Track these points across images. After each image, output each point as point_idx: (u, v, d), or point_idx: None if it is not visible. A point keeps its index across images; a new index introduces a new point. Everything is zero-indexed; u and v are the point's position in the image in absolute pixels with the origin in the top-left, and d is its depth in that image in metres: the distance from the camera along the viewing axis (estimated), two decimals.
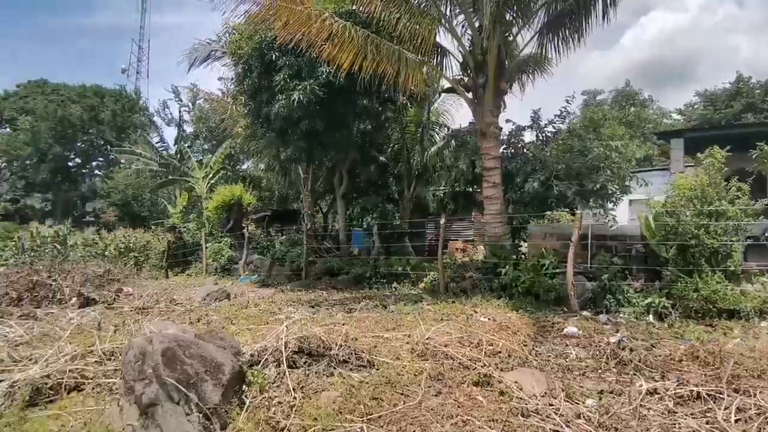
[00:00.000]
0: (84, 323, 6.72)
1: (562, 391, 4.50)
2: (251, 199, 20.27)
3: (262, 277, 15.46)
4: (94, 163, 51.24)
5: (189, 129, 31.47)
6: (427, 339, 5.83)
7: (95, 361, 4.37)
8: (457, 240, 20.18)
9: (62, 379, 3.75)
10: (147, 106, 49.54)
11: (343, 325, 6.72)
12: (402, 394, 4.18)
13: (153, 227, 27.42)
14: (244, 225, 20.77)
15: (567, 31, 10.74)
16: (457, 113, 17.99)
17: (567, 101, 12.83)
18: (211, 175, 21.36)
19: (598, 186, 11.70)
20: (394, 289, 11.32)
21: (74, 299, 8.61)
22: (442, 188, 18.68)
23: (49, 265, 10.52)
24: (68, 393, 3.73)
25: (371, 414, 3.70)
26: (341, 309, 8.87)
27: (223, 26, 15.05)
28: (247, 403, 3.47)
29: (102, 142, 47.61)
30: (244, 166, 28.46)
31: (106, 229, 27.45)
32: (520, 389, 4.52)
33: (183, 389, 3.03)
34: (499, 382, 4.56)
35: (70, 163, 48.04)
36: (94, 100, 45.85)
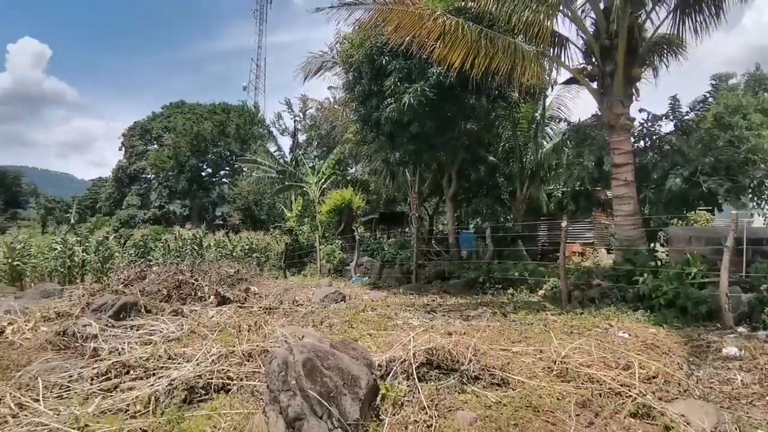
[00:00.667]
0: (222, 322, 7.25)
1: (734, 424, 3.76)
2: (360, 203, 20.80)
3: (372, 279, 15.73)
4: (222, 172, 57.14)
5: (302, 137, 33.44)
6: (564, 357, 5.27)
7: (237, 362, 4.58)
8: (574, 243, 18.65)
9: (211, 379, 3.97)
10: (264, 118, 53.93)
11: (464, 334, 6.40)
12: (548, 421, 3.74)
13: (271, 230, 29.68)
14: (354, 227, 21.44)
15: (706, 8, 9.33)
16: (574, 106, 16.60)
17: (713, 84, 11.08)
18: (322, 180, 22.36)
19: (755, 182, 9.91)
20: (510, 296, 10.69)
21: (212, 297, 9.41)
22: (558, 188, 17.40)
23: (191, 265, 11.69)
24: (216, 393, 3.93)
25: None
26: (457, 316, 8.55)
27: (335, 37, 15.62)
28: (386, 420, 3.32)
29: (228, 153, 52.84)
30: (353, 171, 29.45)
31: (232, 232, 30.40)
32: (687, 424, 3.82)
33: (325, 403, 2.96)
34: (662, 415, 3.89)
35: (203, 173, 54.11)
36: (222, 116, 51.06)
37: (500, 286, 11.43)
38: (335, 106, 19.43)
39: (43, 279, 17.73)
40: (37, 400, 3.68)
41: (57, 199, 55.43)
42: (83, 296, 8.42)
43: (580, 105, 16.72)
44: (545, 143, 16.52)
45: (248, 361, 4.74)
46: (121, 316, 7.44)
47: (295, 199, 23.86)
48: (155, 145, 53.44)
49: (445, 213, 31.64)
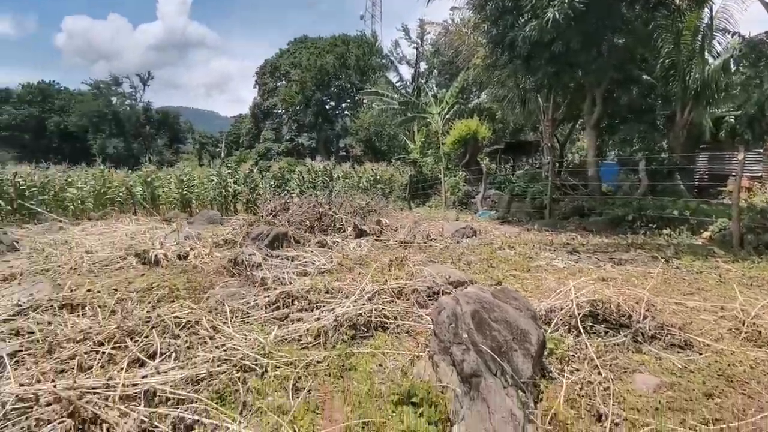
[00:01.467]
0: (364, 255, 7.53)
1: None
2: (486, 132, 19.72)
3: (500, 213, 15.12)
4: (343, 105, 58.66)
5: (422, 66, 32.21)
6: (754, 316, 4.44)
7: (389, 300, 4.66)
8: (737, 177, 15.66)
9: (370, 317, 4.08)
10: (382, 48, 53.02)
11: (623, 282, 5.76)
12: (743, 393, 3.17)
13: (393, 161, 30.01)
14: (479, 159, 20.60)
15: None
16: (741, 18, 13.12)
17: None
18: (446, 110, 21.52)
19: None
20: (667, 237, 9.41)
21: (350, 230, 9.86)
22: (728, 111, 14.41)
23: (327, 198, 12.32)
24: (375, 330, 4.05)
25: (710, 419, 2.88)
26: (606, 258, 7.77)
27: None
28: (560, 379, 3.08)
29: (349, 86, 53.65)
30: (477, 99, 27.86)
31: (356, 163, 31.46)
32: None
33: (498, 359, 2.79)
34: None
35: (327, 106, 56.11)
36: (342, 48, 51.35)
37: (654, 225, 10.11)
38: (462, 29, 17.97)
39: (205, 206, 20.44)
40: (226, 323, 4.15)
41: (208, 135, 62.55)
42: (243, 226, 9.40)
43: (748, 17, 13.15)
44: (711, 59, 13.54)
45: (398, 298, 4.81)
46: (275, 245, 8.16)
47: (418, 131, 23.50)
48: (283, 82, 56.31)
49: (576, 143, 28.72)
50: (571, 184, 15.07)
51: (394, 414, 2.73)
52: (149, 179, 18.21)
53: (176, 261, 6.93)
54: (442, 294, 4.94)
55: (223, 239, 8.63)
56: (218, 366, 3.19)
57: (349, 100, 56.98)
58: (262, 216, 11.19)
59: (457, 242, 9.51)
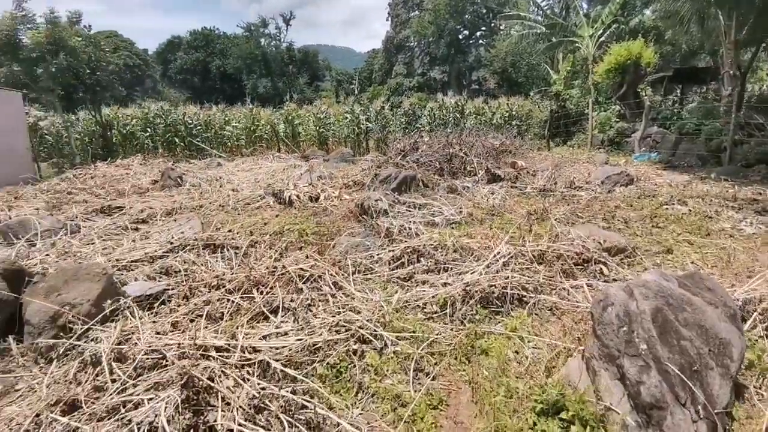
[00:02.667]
0: (497, 205, 6.74)
1: None
2: (651, 57, 16.26)
3: (663, 155, 12.63)
4: (478, 34, 54.31)
5: None
6: None
7: (527, 266, 3.95)
8: None
9: (505, 289, 3.45)
10: None
11: None
12: None
13: (530, 95, 27.08)
14: (638, 90, 17.32)
15: None
16: None
17: None
18: (600, 32, 18.19)
19: None
20: None
21: (482, 173, 9.02)
22: None
23: (458, 137, 11.46)
24: (511, 304, 3.43)
25: None
26: None
27: None
28: (760, 405, 2.17)
29: (485, 11, 49.16)
30: (639, 18, 23.10)
31: (489, 98, 29.14)
32: None
33: (689, 383, 2.00)
34: None
35: (460, 36, 52.56)
36: None
37: None
38: None
39: (340, 143, 21.03)
40: (348, 278, 3.91)
41: (343, 71, 63.98)
42: (372, 167, 9.21)
43: None
44: None
45: (539, 264, 4.06)
46: (403, 189, 7.79)
47: (563, 58, 20.53)
48: (417, 12, 53.79)
49: (756, 72, 22.28)
50: (757, 122, 11.75)
51: (535, 428, 2.17)
52: (290, 117, 19.17)
53: (308, 203, 7.00)
54: (594, 263, 4.05)
55: (353, 180, 8.54)
56: (336, 334, 2.93)
57: (484, 28, 52.50)
58: (391, 157, 10.89)
59: (609, 192, 8.08)
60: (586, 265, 4.01)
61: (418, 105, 22.75)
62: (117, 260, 4.49)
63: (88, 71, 13.92)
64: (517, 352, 2.86)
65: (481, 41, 54.26)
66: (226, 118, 19.05)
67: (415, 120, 20.33)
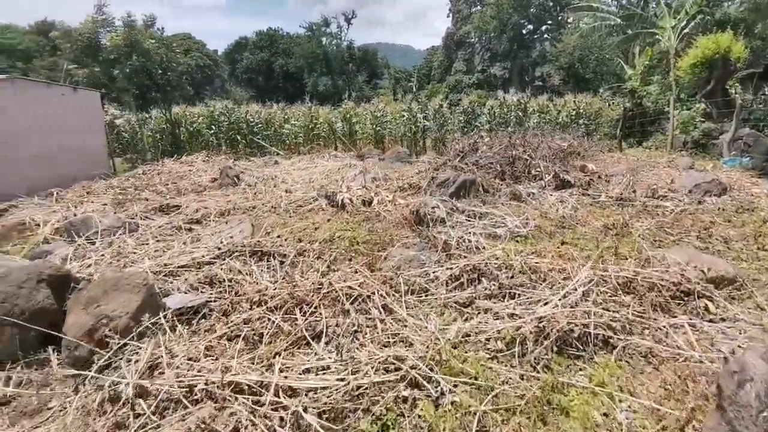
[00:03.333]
0: (567, 215, 6.03)
1: None
2: (741, 53, 14.41)
3: (756, 161, 11.05)
4: (543, 28, 51.78)
5: None
6: None
7: (611, 297, 3.31)
8: None
9: (587, 328, 2.86)
10: None
11: None
12: None
13: (600, 92, 25.17)
14: (727, 86, 15.44)
15: None
16: None
17: None
18: (684, 23, 16.41)
19: None
20: None
21: (548, 177, 8.24)
22: None
23: (521, 138, 10.65)
24: (594, 346, 2.83)
25: None
26: None
27: None
28: None
29: (551, 3, 46.74)
30: (726, 8, 20.72)
31: (554, 95, 27.46)
32: None
33: None
34: None
35: (523, 31, 50.37)
36: None
37: None
38: None
39: (396, 142, 20.65)
40: (400, 299, 3.48)
41: (402, 69, 63.52)
42: (428, 169, 8.71)
43: None
44: None
45: (626, 294, 3.41)
46: (461, 194, 7.23)
47: (641, 52, 18.80)
48: (479, 7, 52.17)
49: None
50: None
51: None
52: (348, 116, 19.04)
53: (360, 206, 6.65)
54: (698, 297, 3.33)
55: (408, 183, 8.09)
56: (384, 373, 2.50)
57: (550, 22, 49.97)
58: (449, 158, 10.33)
59: (699, 203, 7.04)
60: (686, 298, 3.31)
61: (478, 103, 21.81)
62: (165, 265, 4.35)
63: (159, 72, 14.49)
64: (606, 414, 2.29)
65: (545, 35, 51.73)
66: (286, 117, 19.25)
67: (474, 119, 19.50)
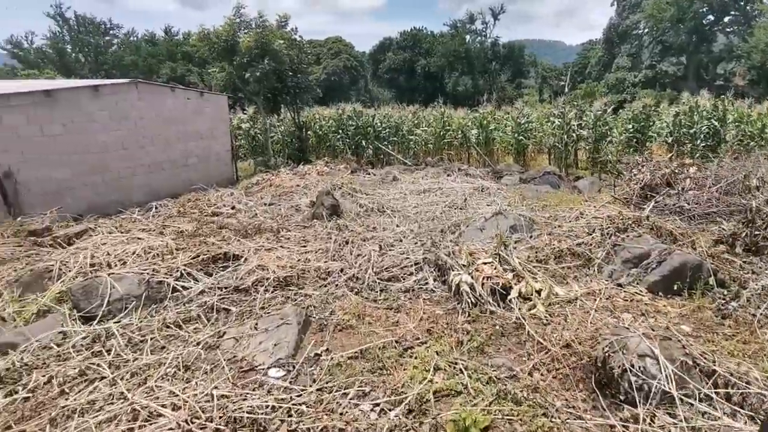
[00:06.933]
0: None
1: None
2: None
3: None
4: (726, 19, 40.54)
5: None
6: None
7: None
8: None
9: None
10: None
11: None
12: None
13: None
14: None
15: None
16: None
17: None
18: None
19: None
20: None
21: None
22: None
23: (758, 176, 6.45)
24: None
25: None
26: None
27: None
28: None
29: None
30: None
31: (738, 97, 19.64)
32: None
33: None
34: None
35: (704, 21, 40.02)
36: None
37: None
38: None
39: (541, 153, 16.81)
40: None
41: (551, 66, 56.19)
42: (603, 226, 5.32)
43: None
44: None
45: None
46: (674, 287, 3.90)
47: None
48: None
49: None
50: None
51: None
52: (485, 122, 15.87)
53: (488, 300, 3.80)
54: None
55: (568, 247, 4.89)
56: None
57: (734, 12, 38.85)
58: (630, 195, 6.73)
59: None
60: None
61: (653, 108, 16.47)
62: None
63: (290, 73, 13.35)
64: None
65: (730, 28, 40.45)
66: (416, 121, 16.91)
67: (646, 127, 14.55)
